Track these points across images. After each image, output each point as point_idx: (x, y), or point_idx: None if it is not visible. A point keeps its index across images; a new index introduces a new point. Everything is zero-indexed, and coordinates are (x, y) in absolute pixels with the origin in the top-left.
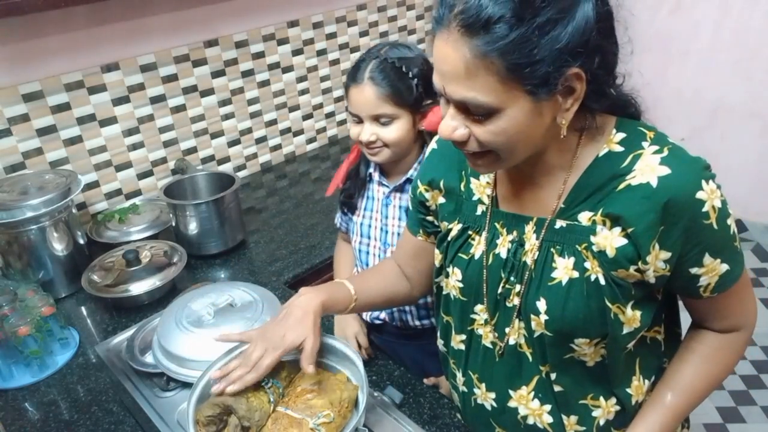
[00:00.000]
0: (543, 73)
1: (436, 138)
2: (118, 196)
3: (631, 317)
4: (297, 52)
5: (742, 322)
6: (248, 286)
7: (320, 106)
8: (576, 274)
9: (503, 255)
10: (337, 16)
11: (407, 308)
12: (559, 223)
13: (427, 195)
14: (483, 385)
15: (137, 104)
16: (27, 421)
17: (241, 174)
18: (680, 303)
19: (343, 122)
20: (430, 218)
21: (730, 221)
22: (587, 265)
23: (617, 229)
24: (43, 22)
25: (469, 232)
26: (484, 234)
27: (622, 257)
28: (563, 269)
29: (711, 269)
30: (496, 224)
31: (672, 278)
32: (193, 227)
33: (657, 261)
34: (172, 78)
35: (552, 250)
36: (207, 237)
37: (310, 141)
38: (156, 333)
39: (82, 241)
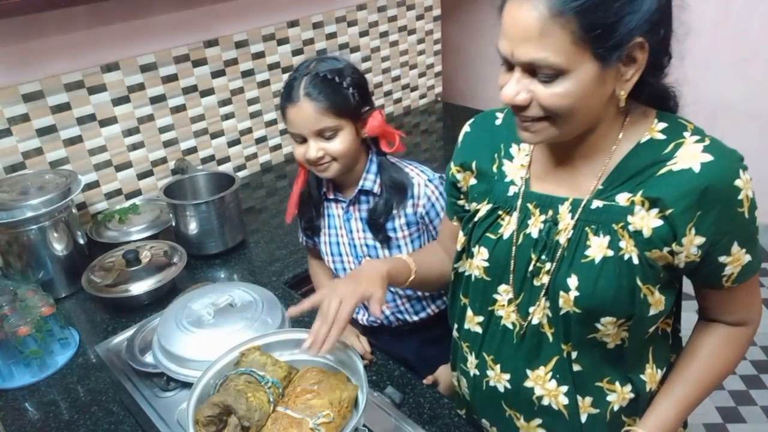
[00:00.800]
0: (615, 36)
1: (470, 122)
2: (118, 196)
3: (658, 300)
4: (297, 52)
5: (750, 316)
6: (248, 286)
7: None
8: (610, 253)
9: (534, 235)
10: (337, 16)
11: (402, 307)
12: (596, 204)
13: (459, 176)
14: (497, 366)
15: (137, 104)
16: (27, 421)
17: (241, 174)
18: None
19: None
20: (461, 202)
21: (756, 213)
22: (622, 244)
23: (655, 211)
24: (43, 22)
25: (499, 212)
26: (516, 214)
27: (658, 238)
28: (597, 247)
29: (736, 259)
30: (528, 205)
31: (699, 266)
32: (193, 227)
33: (691, 246)
34: (172, 78)
35: (587, 229)
36: (207, 237)
37: None
38: (156, 333)
39: (82, 241)
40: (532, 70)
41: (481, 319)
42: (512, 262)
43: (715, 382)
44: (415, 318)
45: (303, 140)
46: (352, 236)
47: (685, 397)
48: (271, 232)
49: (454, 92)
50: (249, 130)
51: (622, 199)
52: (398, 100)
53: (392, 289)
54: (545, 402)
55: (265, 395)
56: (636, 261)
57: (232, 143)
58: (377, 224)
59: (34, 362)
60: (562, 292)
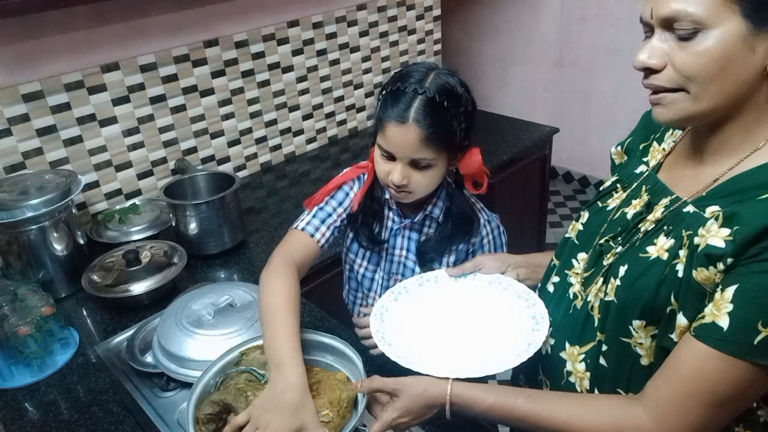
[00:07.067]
0: None
1: None
2: (118, 196)
3: (687, 327)
4: (297, 52)
5: (656, 407)
6: (248, 286)
7: (320, 106)
8: (665, 256)
9: (629, 216)
10: (337, 16)
11: None
12: (688, 209)
13: (613, 150)
14: (551, 329)
15: (137, 104)
16: (27, 421)
17: (241, 174)
18: None
19: (343, 122)
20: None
21: None
22: (681, 253)
23: (725, 231)
24: (43, 22)
25: (618, 185)
26: (628, 191)
27: (709, 257)
28: (659, 247)
29: (718, 308)
30: (643, 186)
31: None
32: (193, 227)
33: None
34: (172, 78)
35: (664, 228)
36: (207, 237)
37: (310, 141)
38: (156, 333)
39: (82, 241)
40: (670, 27)
41: (558, 279)
42: (599, 234)
43: (547, 426)
44: None
45: (391, 157)
46: (393, 252)
47: (519, 410)
48: (271, 232)
49: None
50: (249, 130)
51: (710, 211)
52: None
53: None
54: (572, 380)
55: None
56: (680, 274)
57: (232, 143)
58: (426, 257)
59: (34, 362)
60: (612, 279)
